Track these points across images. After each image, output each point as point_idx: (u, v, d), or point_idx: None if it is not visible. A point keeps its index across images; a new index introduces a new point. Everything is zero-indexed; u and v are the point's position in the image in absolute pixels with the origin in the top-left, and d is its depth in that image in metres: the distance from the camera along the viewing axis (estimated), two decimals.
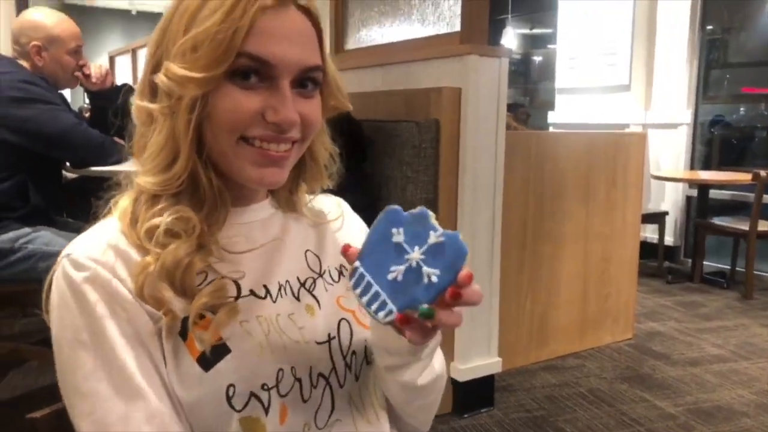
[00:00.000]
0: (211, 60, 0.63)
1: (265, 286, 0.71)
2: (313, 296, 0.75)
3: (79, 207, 3.31)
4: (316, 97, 0.71)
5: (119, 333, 0.64)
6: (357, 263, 0.61)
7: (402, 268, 0.60)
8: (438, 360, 0.77)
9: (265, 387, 0.67)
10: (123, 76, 5.87)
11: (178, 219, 0.66)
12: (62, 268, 0.66)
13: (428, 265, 0.59)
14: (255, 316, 0.69)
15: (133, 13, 10.05)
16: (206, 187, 0.68)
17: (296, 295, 0.73)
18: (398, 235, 0.60)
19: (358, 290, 0.60)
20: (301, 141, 0.70)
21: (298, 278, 0.75)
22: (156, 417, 0.63)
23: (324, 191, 0.84)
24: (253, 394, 0.66)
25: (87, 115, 2.64)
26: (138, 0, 9.87)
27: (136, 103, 0.70)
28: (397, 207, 0.61)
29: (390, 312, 0.59)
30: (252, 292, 0.70)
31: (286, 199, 0.80)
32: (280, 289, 0.72)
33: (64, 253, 0.67)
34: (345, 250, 0.62)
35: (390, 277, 0.60)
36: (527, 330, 2.88)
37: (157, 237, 0.65)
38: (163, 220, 0.66)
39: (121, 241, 0.67)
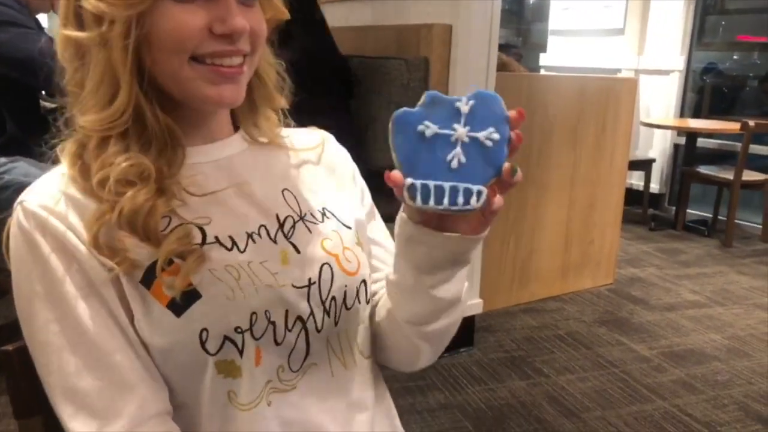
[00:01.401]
0: None
1: (231, 237, 0.68)
2: (290, 242, 0.71)
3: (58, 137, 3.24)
4: (257, 7, 0.67)
5: (73, 284, 0.62)
6: (408, 180, 0.56)
7: (458, 149, 0.56)
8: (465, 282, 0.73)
9: (239, 330, 0.65)
10: None
11: (131, 166, 0.63)
12: (16, 217, 0.64)
13: (480, 131, 0.56)
14: (224, 265, 0.66)
15: None
16: (152, 123, 0.64)
17: (273, 238, 0.70)
18: (429, 128, 0.56)
19: (431, 201, 0.56)
20: (251, 54, 0.67)
21: (277, 216, 0.72)
22: (111, 370, 0.62)
23: (306, 125, 0.80)
24: (226, 338, 0.65)
25: None
26: None
27: (61, 33, 0.64)
28: (400, 111, 0.57)
29: (480, 192, 0.56)
30: (217, 240, 0.67)
31: (253, 126, 0.76)
32: (250, 237, 0.69)
33: (18, 199, 0.64)
34: (388, 177, 0.57)
35: (453, 165, 0.56)
36: (509, 273, 2.91)
37: (109, 186, 0.62)
38: (113, 170, 0.62)
39: (74, 189, 0.64)
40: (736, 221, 4.18)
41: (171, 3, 0.61)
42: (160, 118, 0.64)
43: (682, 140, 4.65)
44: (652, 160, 4.72)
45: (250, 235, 0.69)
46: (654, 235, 4.29)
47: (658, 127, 4.60)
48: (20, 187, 2.04)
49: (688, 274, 3.53)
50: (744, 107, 5.49)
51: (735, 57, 6.00)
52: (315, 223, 0.74)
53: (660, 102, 4.94)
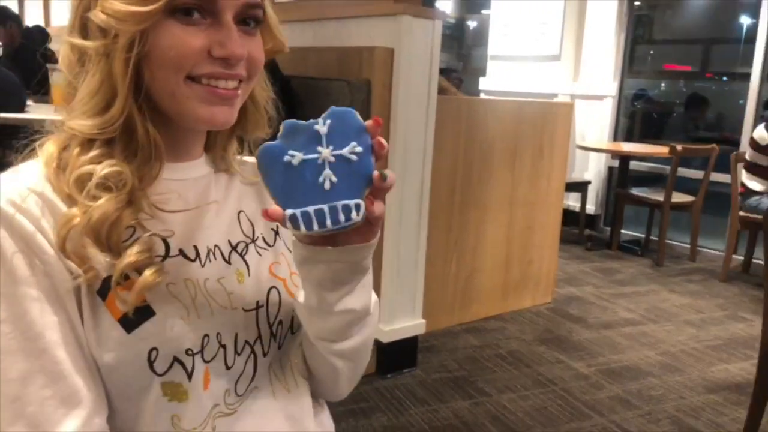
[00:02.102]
0: None
1: (195, 247, 0.68)
2: (245, 261, 0.72)
3: None
4: (258, 36, 0.68)
5: (34, 287, 0.60)
6: (288, 211, 0.57)
7: (327, 170, 0.58)
8: (373, 295, 0.75)
9: (190, 352, 0.65)
10: (33, 17, 5.48)
11: (114, 171, 0.62)
12: None
13: (343, 148, 0.58)
14: (183, 279, 0.66)
15: None
16: (141, 135, 0.64)
17: (227, 258, 0.71)
18: (294, 157, 0.58)
19: (314, 226, 0.57)
20: (247, 80, 0.67)
21: (229, 242, 0.72)
22: (59, 381, 0.60)
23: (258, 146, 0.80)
24: (176, 359, 0.64)
25: None
26: None
27: (68, 41, 0.65)
28: (262, 146, 0.59)
29: (357, 206, 0.58)
30: (181, 252, 0.67)
31: (221, 156, 0.77)
32: (209, 253, 0.70)
33: None
34: (266, 214, 0.59)
35: (326, 186, 0.58)
36: (452, 292, 2.94)
37: (89, 189, 0.61)
38: (97, 170, 0.62)
39: (47, 189, 0.62)
40: (667, 241, 4.35)
41: (175, 23, 0.62)
42: (150, 131, 0.65)
43: (616, 163, 4.83)
44: (588, 182, 4.87)
45: (210, 251, 0.70)
46: (590, 255, 4.41)
47: (593, 150, 4.77)
48: None
49: (623, 292, 3.64)
50: (672, 132, 5.76)
51: (663, 84, 6.30)
52: (265, 248, 0.76)
53: (594, 126, 5.12)
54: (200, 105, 0.64)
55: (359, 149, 0.58)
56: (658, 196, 4.21)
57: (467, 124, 2.80)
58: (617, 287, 3.73)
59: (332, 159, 0.58)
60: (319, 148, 0.58)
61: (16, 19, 4.14)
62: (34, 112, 2.18)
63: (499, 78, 5.52)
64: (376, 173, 0.58)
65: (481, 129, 2.87)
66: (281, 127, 0.59)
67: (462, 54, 7.74)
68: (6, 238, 0.60)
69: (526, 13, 5.26)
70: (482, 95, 5.57)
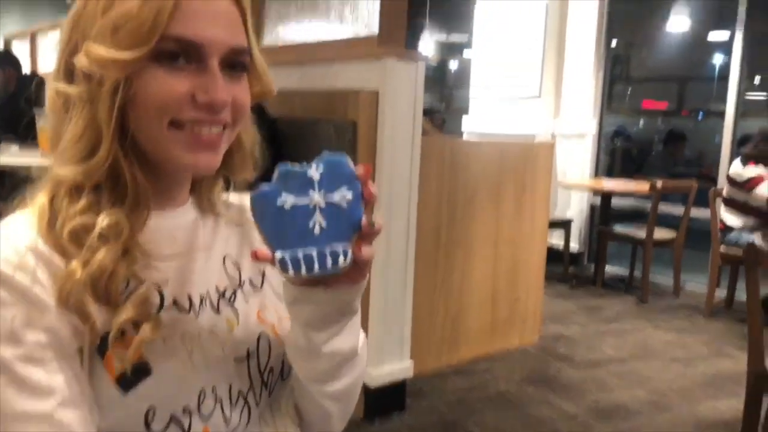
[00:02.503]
0: (134, 41, 0.59)
1: (189, 296, 0.68)
2: (233, 309, 0.72)
3: None
4: (244, 80, 0.68)
5: (39, 347, 0.57)
6: (278, 254, 0.58)
7: (318, 215, 0.59)
8: (361, 335, 0.74)
9: (187, 410, 0.63)
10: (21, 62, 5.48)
11: (111, 223, 0.61)
12: None
13: (334, 193, 0.59)
14: (179, 332, 0.65)
15: None
16: (129, 180, 0.63)
17: (216, 307, 0.70)
18: (287, 201, 0.59)
19: (303, 270, 0.58)
20: (231, 125, 0.67)
21: (217, 288, 0.72)
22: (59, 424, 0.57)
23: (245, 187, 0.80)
24: (173, 418, 0.62)
25: None
26: None
27: (53, 86, 0.65)
28: (256, 190, 0.60)
29: (345, 252, 0.59)
30: (175, 303, 0.66)
31: (207, 198, 0.76)
32: (202, 302, 0.69)
33: None
34: (255, 256, 0.60)
35: (316, 231, 0.59)
36: (439, 333, 2.91)
37: (90, 243, 0.60)
38: (98, 222, 0.61)
39: (40, 243, 0.61)
40: (651, 278, 4.37)
41: (160, 68, 0.61)
42: (137, 177, 0.64)
43: (598, 200, 4.88)
44: (571, 220, 4.91)
45: (203, 298, 0.69)
46: (576, 293, 4.42)
47: (575, 187, 4.82)
48: None
49: (609, 330, 3.64)
50: (652, 168, 5.86)
51: (641, 121, 6.43)
52: (253, 293, 0.75)
53: (576, 163, 5.19)
54: (184, 151, 0.64)
55: (349, 196, 0.59)
56: (641, 233, 4.25)
57: (451, 164, 2.82)
58: (603, 325, 3.73)
59: (323, 204, 0.59)
60: (311, 193, 0.59)
61: (15, 64, 4.15)
62: (21, 156, 2.16)
63: (482, 117, 5.60)
64: (364, 220, 0.59)
65: (465, 168, 2.90)
66: (275, 171, 0.59)
67: (444, 94, 7.86)
68: (7, 299, 0.58)
69: (507, 54, 5.36)
70: (465, 135, 5.64)
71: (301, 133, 2.28)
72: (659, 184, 4.09)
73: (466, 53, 6.15)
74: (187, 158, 0.64)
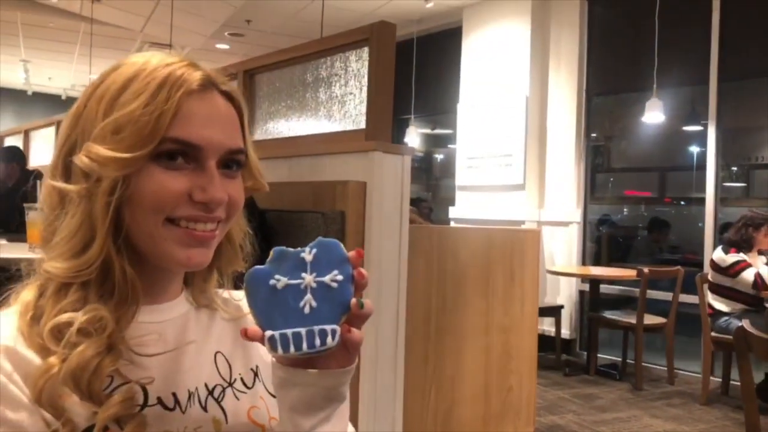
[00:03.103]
0: (135, 142, 0.62)
1: (174, 395, 0.67)
2: (221, 408, 0.70)
3: None
4: (239, 178, 0.71)
5: None
6: (267, 332, 0.60)
7: (308, 295, 0.61)
8: (350, 428, 0.73)
9: None
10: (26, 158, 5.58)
11: (92, 318, 0.61)
12: None
13: (325, 275, 0.61)
14: (163, 431, 0.64)
15: (29, 93, 9.73)
16: (119, 276, 0.64)
17: (204, 405, 0.69)
18: (280, 281, 0.61)
19: (291, 348, 0.59)
20: (225, 221, 0.69)
21: (206, 385, 0.70)
22: None
23: (236, 280, 0.81)
24: None
25: None
26: (35, 80, 9.58)
27: (49, 183, 0.66)
28: (251, 270, 0.62)
29: (333, 332, 0.60)
30: (160, 401, 0.65)
31: (201, 290, 0.76)
32: (190, 398, 0.68)
33: None
34: (245, 334, 0.61)
35: (306, 311, 0.60)
36: (431, 425, 2.83)
37: (69, 337, 0.60)
38: (77, 318, 0.61)
39: (19, 343, 0.61)
40: (644, 364, 4.33)
41: (158, 167, 0.63)
42: (127, 272, 0.65)
43: (587, 287, 4.89)
44: (561, 307, 4.90)
45: (191, 394, 0.68)
46: (569, 381, 4.35)
47: (563, 274, 4.85)
48: None
49: (604, 419, 3.56)
50: (638, 255, 5.93)
51: (625, 210, 6.56)
52: (244, 392, 0.73)
53: (562, 251, 5.24)
54: (177, 247, 0.65)
55: (340, 277, 0.61)
56: (631, 319, 4.24)
57: (439, 252, 2.85)
58: (598, 414, 3.65)
59: (314, 285, 0.61)
60: (303, 275, 0.61)
61: (21, 161, 4.24)
62: (9, 250, 2.16)
63: (468, 207, 5.70)
64: (353, 301, 0.61)
65: (453, 256, 2.92)
66: (271, 253, 0.62)
67: (431, 184, 8.02)
68: None
69: (490, 147, 5.53)
70: (452, 223, 5.71)
71: (290, 223, 2.31)
72: (646, 270, 4.13)
73: (451, 145, 6.34)
74: (180, 254, 0.65)
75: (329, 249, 0.62)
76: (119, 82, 0.65)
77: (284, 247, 0.62)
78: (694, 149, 5.45)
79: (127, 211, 0.64)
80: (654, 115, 4.50)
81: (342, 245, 0.63)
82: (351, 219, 2.22)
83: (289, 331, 0.60)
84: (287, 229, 2.32)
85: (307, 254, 0.62)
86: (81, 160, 0.63)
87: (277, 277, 0.61)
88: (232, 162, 0.68)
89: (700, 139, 4.91)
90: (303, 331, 0.60)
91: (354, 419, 2.30)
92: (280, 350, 0.60)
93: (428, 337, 2.82)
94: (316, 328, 0.60)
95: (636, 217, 6.51)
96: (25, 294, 0.65)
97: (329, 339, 0.60)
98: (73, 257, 0.63)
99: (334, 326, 0.60)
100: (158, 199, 0.63)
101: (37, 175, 3.96)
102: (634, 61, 5.17)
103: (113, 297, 0.64)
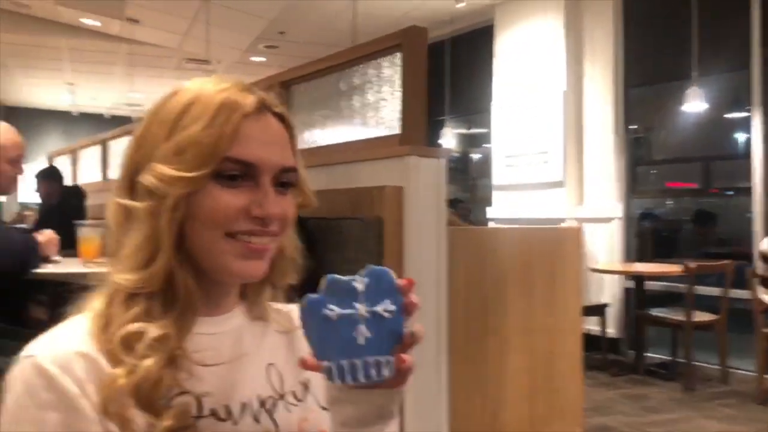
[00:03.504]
0: (197, 162, 0.66)
1: (226, 407, 0.69)
2: (273, 420, 0.73)
3: (7, 311, 3.15)
4: (291, 195, 0.74)
5: None
6: (324, 363, 0.61)
7: (362, 326, 0.62)
8: None
9: None
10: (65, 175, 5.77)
11: (160, 335, 0.65)
12: (23, 372, 0.62)
13: (377, 306, 0.62)
14: None
15: (74, 114, 10.06)
16: (181, 288, 0.68)
17: (256, 416, 0.72)
18: (333, 311, 0.62)
19: (348, 379, 0.61)
20: (278, 235, 0.72)
21: (259, 397, 0.73)
22: None
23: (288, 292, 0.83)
24: None
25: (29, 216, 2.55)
26: (80, 101, 9.90)
27: (116, 201, 0.71)
28: (304, 299, 0.63)
29: (389, 363, 0.62)
30: (213, 413, 0.68)
31: (254, 302, 0.79)
32: (243, 409, 0.71)
33: (27, 352, 0.63)
34: (303, 364, 0.63)
35: (360, 341, 0.62)
36: (478, 429, 2.82)
37: (137, 350, 0.64)
38: (147, 330, 0.64)
39: (92, 348, 0.64)
40: (695, 362, 4.21)
41: (218, 186, 0.67)
42: (189, 285, 0.68)
43: (632, 284, 4.80)
44: (606, 305, 4.82)
45: (244, 406, 0.71)
46: (617, 381, 4.27)
47: (606, 272, 4.76)
48: None
49: (655, 420, 3.49)
50: (684, 249, 5.77)
51: (669, 202, 6.40)
52: (295, 404, 0.76)
53: (605, 247, 5.15)
54: (235, 259, 0.69)
55: (392, 307, 0.63)
56: (679, 316, 4.14)
57: (478, 254, 2.84)
58: (649, 415, 3.58)
59: (366, 315, 0.62)
60: (356, 305, 0.62)
61: (59, 179, 4.42)
62: (66, 266, 2.26)
63: (506, 206, 5.66)
64: (406, 331, 0.63)
65: (493, 257, 2.90)
66: (322, 281, 0.63)
67: (469, 185, 7.98)
68: (49, 401, 0.60)
69: (527, 145, 5.48)
70: (490, 223, 5.68)
71: (329, 230, 2.34)
72: (693, 265, 4.03)
73: (487, 145, 6.30)
74: (238, 266, 0.69)
75: (380, 278, 0.63)
76: (179, 106, 0.69)
77: (336, 276, 0.63)
78: (740, 137, 5.29)
79: (189, 226, 0.68)
80: (695, 103, 4.40)
81: (392, 273, 0.64)
82: (389, 224, 2.24)
83: (345, 362, 0.61)
84: (326, 236, 2.34)
85: (359, 283, 0.63)
86: (147, 179, 0.67)
87: (330, 307, 0.62)
88: (285, 179, 0.72)
89: (745, 126, 4.77)
90: (359, 362, 0.61)
91: (400, 423, 2.31)
92: (336, 380, 0.61)
93: (471, 340, 2.80)
94: (371, 359, 0.61)
95: (680, 210, 6.35)
96: (96, 302, 0.69)
97: (384, 370, 0.62)
98: (139, 269, 0.67)
99: (389, 357, 0.62)
100: (218, 215, 0.67)
101: (82, 193, 4.10)
102: (673, 50, 5.06)
103: (175, 308, 0.68)
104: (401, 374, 0.64)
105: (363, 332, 0.62)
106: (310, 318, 0.62)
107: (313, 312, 0.62)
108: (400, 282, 0.63)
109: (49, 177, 4.31)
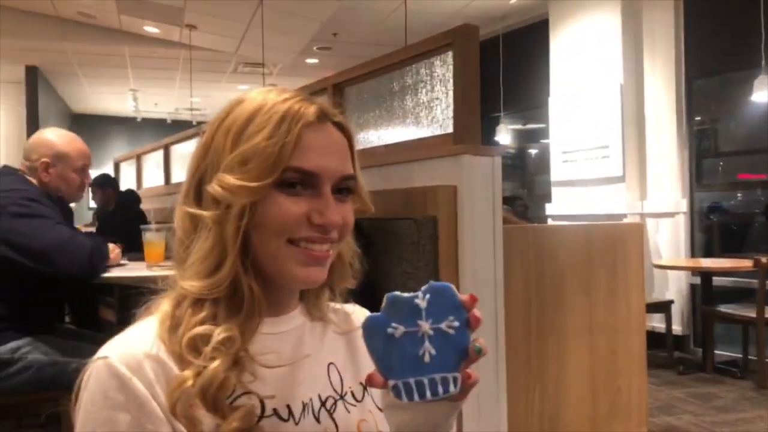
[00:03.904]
0: (261, 172, 0.67)
1: (288, 407, 0.71)
2: (333, 420, 0.74)
3: (79, 313, 3.31)
4: (350, 202, 0.76)
5: None
6: (390, 381, 0.61)
7: (427, 344, 0.61)
8: None
9: None
10: (128, 181, 6.01)
11: (226, 336, 0.67)
12: (97, 372, 0.65)
13: (441, 322, 0.62)
14: None
15: (138, 120, 10.45)
16: (246, 293, 0.70)
17: (317, 416, 0.73)
18: (397, 329, 0.61)
19: (415, 397, 0.61)
20: (338, 241, 0.74)
21: (320, 396, 0.75)
22: None
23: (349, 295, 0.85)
24: None
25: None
26: (143, 107, 10.27)
27: (184, 209, 0.73)
28: (367, 318, 0.63)
29: (455, 379, 0.61)
30: (275, 412, 0.70)
31: (315, 304, 0.81)
32: (304, 409, 0.72)
33: (100, 354, 0.66)
34: (369, 381, 0.62)
35: (426, 359, 0.61)
36: (537, 429, 2.79)
37: (205, 353, 0.65)
38: (215, 335, 0.66)
39: (161, 350, 0.67)
40: None
41: (281, 194, 0.69)
42: (254, 290, 0.70)
43: (698, 280, 4.63)
44: (671, 302, 4.67)
45: (305, 406, 0.72)
46: (683, 380, 4.13)
47: (670, 268, 4.61)
48: (41, 367, 2.05)
49: (726, 420, 3.36)
50: (755, 243, 5.52)
51: (739, 195, 6.14)
52: (354, 404, 0.77)
53: (669, 243, 4.99)
54: (297, 266, 0.70)
55: (456, 323, 0.62)
56: (750, 312, 3.97)
57: (536, 252, 2.80)
58: (719, 414, 3.45)
59: (430, 332, 0.62)
60: (419, 322, 0.62)
61: (114, 185, 4.62)
62: (131, 270, 2.34)
63: (565, 202, 5.55)
64: (471, 347, 0.62)
65: (551, 255, 2.86)
66: (384, 300, 0.63)
67: (526, 181, 7.87)
68: (122, 402, 0.63)
69: (585, 139, 5.37)
70: (549, 220, 5.58)
71: (384, 230, 2.35)
72: (764, 259, 3.86)
73: (545, 140, 6.19)
74: (300, 272, 0.71)
75: (442, 294, 0.63)
76: (243, 116, 0.71)
77: (397, 293, 0.63)
78: None
79: (253, 234, 0.70)
80: (764, 93, 4.20)
81: (454, 288, 0.64)
82: (443, 224, 2.24)
83: (411, 380, 0.61)
84: (381, 237, 2.36)
85: (421, 300, 0.62)
86: (214, 188, 0.69)
87: (394, 325, 0.62)
88: (344, 187, 0.74)
89: None
90: (425, 380, 0.61)
91: (459, 422, 2.31)
92: (404, 398, 0.61)
93: (529, 339, 2.77)
94: (438, 376, 0.61)
95: (751, 203, 6.07)
96: (164, 305, 0.71)
97: (451, 387, 0.61)
98: (207, 276, 0.69)
99: (456, 374, 0.62)
100: (281, 223, 0.69)
101: (137, 198, 4.27)
102: (738, 39, 4.85)
103: (241, 312, 0.70)
104: (466, 389, 0.64)
105: (428, 349, 0.61)
106: (372, 336, 0.62)
107: (377, 330, 0.62)
108: (463, 297, 0.63)
109: (104, 184, 4.51)
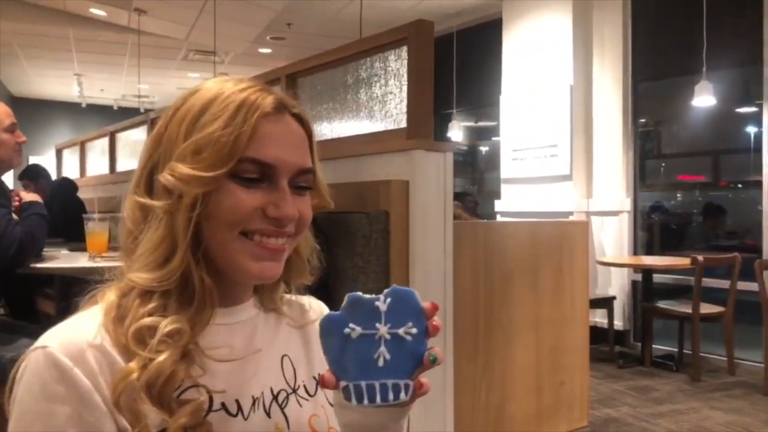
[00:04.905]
0: (215, 161, 0.66)
1: (237, 401, 0.69)
2: (284, 414, 0.73)
3: (14, 304, 3.18)
4: (308, 196, 0.74)
5: None
6: (342, 383, 0.60)
7: (382, 347, 0.60)
8: None
9: None
10: (70, 169, 5.81)
11: (174, 328, 0.65)
12: (35, 362, 0.62)
13: (399, 327, 0.61)
14: None
15: (83, 105, 10.10)
16: (197, 285, 0.68)
17: (268, 411, 0.72)
18: (354, 330, 0.61)
19: (365, 400, 0.60)
20: (294, 236, 0.72)
21: (271, 390, 0.73)
22: None
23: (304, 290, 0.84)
24: None
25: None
26: (88, 93, 9.93)
27: (134, 199, 0.71)
28: (326, 316, 0.62)
29: (407, 386, 0.60)
30: (224, 407, 0.68)
31: (269, 296, 0.80)
32: (254, 404, 0.71)
33: (39, 343, 0.63)
34: (322, 382, 0.61)
35: (380, 363, 0.60)
36: (483, 422, 2.83)
37: (151, 345, 0.63)
38: (161, 326, 0.64)
39: (105, 341, 0.64)
40: (702, 354, 4.21)
41: (235, 185, 0.67)
42: (206, 282, 0.68)
43: (639, 277, 4.79)
44: (613, 298, 4.81)
45: (255, 400, 0.71)
46: (623, 373, 4.27)
47: (614, 265, 4.75)
48: None
49: (661, 411, 3.49)
50: (692, 242, 5.75)
51: (678, 196, 6.37)
52: (306, 399, 0.76)
53: (613, 241, 5.14)
54: (250, 260, 0.69)
55: (414, 330, 0.61)
56: (686, 308, 4.13)
57: (485, 248, 2.84)
58: (655, 406, 3.58)
59: (387, 336, 0.61)
60: (378, 325, 0.61)
61: (47, 176, 4.45)
62: (71, 259, 2.26)
63: (514, 199, 5.65)
64: (426, 355, 0.61)
65: (499, 251, 2.91)
66: (345, 299, 0.62)
67: (476, 178, 7.97)
68: (61, 394, 0.60)
69: (535, 138, 5.46)
70: (498, 217, 5.67)
71: (337, 224, 2.34)
72: (701, 257, 4.02)
73: (496, 138, 6.28)
74: (254, 266, 0.69)
75: (404, 299, 0.62)
76: (198, 105, 0.69)
77: (359, 294, 0.62)
78: (750, 131, 5.25)
79: (205, 225, 0.68)
80: (704, 98, 4.37)
81: (417, 295, 0.63)
82: (395, 218, 2.24)
83: (363, 384, 0.60)
84: (334, 231, 2.35)
85: (382, 303, 0.61)
86: (165, 178, 0.67)
87: (351, 326, 0.61)
88: (302, 181, 0.72)
89: (755, 120, 4.74)
90: (377, 384, 0.60)
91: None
92: (354, 401, 0.60)
93: (477, 334, 2.81)
94: (390, 382, 0.60)
95: (690, 203, 6.31)
96: (109, 294, 0.69)
97: (402, 394, 0.60)
98: (156, 268, 0.67)
99: (408, 381, 0.61)
100: (234, 214, 0.67)
101: (74, 185, 4.09)
102: (682, 44, 5.02)
103: (192, 305, 0.68)
104: (415, 397, 0.63)
105: (383, 353, 0.60)
106: (329, 335, 0.61)
107: (333, 329, 0.61)
108: (425, 305, 0.62)
109: (36, 176, 4.33)
